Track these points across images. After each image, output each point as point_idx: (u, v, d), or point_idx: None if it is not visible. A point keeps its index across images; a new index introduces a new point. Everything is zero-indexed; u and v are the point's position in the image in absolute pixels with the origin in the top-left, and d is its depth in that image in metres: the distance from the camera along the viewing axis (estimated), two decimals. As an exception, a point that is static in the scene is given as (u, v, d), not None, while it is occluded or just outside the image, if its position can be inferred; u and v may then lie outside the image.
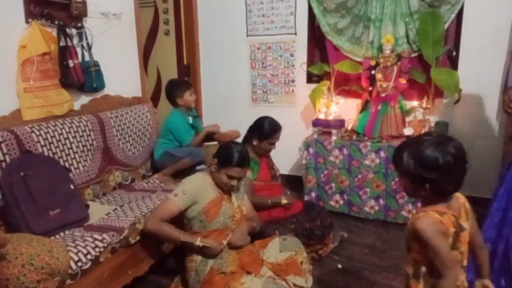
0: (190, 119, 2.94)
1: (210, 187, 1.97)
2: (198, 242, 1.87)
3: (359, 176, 2.98)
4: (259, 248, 2.01)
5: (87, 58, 2.63)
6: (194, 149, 2.80)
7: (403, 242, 2.84)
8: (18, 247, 1.50)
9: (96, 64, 2.68)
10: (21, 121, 2.22)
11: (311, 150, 3.14)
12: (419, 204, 2.80)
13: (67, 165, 2.28)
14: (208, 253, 1.91)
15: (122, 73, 2.99)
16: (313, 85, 3.41)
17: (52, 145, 2.22)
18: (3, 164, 1.95)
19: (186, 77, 4.07)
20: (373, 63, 3.13)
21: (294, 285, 1.88)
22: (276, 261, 1.93)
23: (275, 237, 2.06)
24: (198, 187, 1.94)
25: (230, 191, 2.03)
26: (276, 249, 1.98)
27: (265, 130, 2.40)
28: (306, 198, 3.23)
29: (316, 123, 3.24)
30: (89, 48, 2.64)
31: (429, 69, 2.99)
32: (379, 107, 3.08)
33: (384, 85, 3.07)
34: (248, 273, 1.85)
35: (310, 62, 3.56)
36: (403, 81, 3.03)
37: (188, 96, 2.89)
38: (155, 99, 4.16)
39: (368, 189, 2.97)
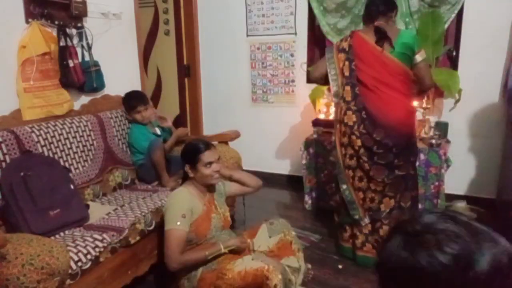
0: (158, 131, 2.80)
1: (197, 199, 1.93)
2: (224, 249, 1.85)
3: (359, 176, 2.97)
4: (248, 238, 2.00)
5: (87, 58, 2.62)
6: (150, 143, 2.63)
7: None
8: (18, 247, 1.50)
9: (96, 64, 2.68)
10: (21, 121, 2.21)
11: (311, 150, 3.14)
12: (420, 206, 2.83)
13: (67, 165, 2.28)
14: (238, 251, 1.90)
15: (122, 73, 2.99)
16: (313, 85, 3.40)
17: (52, 145, 2.22)
18: (3, 164, 1.94)
19: (186, 77, 4.08)
20: (373, 63, 3.12)
21: (288, 267, 1.88)
22: (268, 248, 1.95)
23: (262, 224, 2.04)
24: (189, 202, 1.88)
25: (213, 202, 1.99)
26: (266, 236, 1.99)
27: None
28: (306, 198, 3.23)
29: (316, 123, 3.24)
30: (89, 48, 2.64)
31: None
32: (379, 107, 3.07)
33: (384, 85, 3.06)
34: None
35: (310, 62, 3.56)
36: (403, 81, 3.03)
37: (143, 111, 2.72)
38: (155, 99, 4.16)
39: (368, 189, 2.96)
